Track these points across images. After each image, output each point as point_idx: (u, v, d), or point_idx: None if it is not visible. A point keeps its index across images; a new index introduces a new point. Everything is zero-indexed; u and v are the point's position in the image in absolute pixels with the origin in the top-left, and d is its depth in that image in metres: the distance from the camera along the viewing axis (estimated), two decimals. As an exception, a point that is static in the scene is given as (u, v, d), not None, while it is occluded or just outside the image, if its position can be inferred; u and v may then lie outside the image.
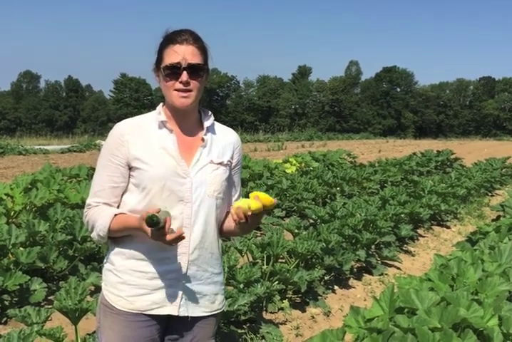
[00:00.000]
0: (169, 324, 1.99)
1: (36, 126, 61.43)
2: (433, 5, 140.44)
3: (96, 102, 70.93)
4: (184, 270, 1.93)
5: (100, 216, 1.90)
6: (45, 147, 21.35)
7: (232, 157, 2.06)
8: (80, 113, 69.99)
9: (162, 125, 1.96)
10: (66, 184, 7.64)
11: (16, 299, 4.22)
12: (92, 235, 1.94)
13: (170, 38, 1.91)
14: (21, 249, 4.58)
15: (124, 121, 1.99)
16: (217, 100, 71.42)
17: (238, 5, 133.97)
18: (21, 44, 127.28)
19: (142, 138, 1.93)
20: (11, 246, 4.58)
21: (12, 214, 6.22)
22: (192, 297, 1.96)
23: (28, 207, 6.42)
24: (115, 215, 1.88)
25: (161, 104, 2.02)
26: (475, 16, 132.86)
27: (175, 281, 1.92)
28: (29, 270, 4.53)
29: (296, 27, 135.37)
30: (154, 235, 1.75)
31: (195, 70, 1.90)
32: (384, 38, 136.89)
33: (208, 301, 2.01)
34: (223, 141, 2.06)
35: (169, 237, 1.75)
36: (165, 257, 1.90)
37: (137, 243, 1.91)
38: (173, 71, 1.88)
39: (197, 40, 1.92)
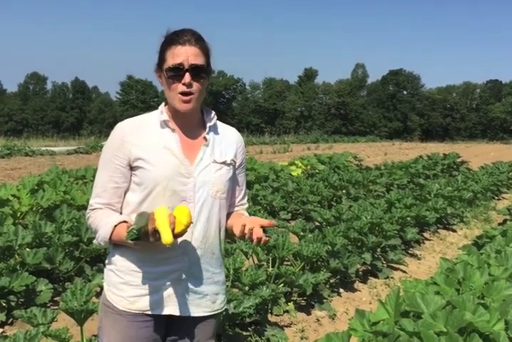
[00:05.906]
0: (170, 324, 1.99)
1: (42, 127, 61.66)
2: (440, 8, 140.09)
3: (103, 103, 71.14)
4: (185, 270, 1.92)
5: (101, 224, 1.87)
6: (52, 149, 21.35)
7: (235, 156, 2.05)
8: (86, 115, 70.16)
9: (165, 124, 1.94)
10: (72, 186, 7.68)
11: (22, 300, 4.23)
12: (94, 241, 1.93)
13: (172, 39, 1.88)
14: (28, 249, 4.60)
15: (125, 121, 1.96)
16: (223, 102, 71.48)
17: (244, 6, 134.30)
18: (28, 46, 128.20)
19: (144, 138, 1.90)
20: (17, 247, 4.61)
21: (19, 215, 6.26)
22: (193, 297, 1.96)
23: (34, 208, 6.45)
24: (115, 226, 1.85)
25: (163, 103, 2.00)
26: (482, 19, 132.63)
27: (176, 281, 1.92)
28: (35, 271, 4.54)
29: (302, 29, 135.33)
30: (149, 241, 1.73)
31: (197, 72, 1.87)
32: (391, 40, 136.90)
33: (209, 300, 2.00)
34: (226, 140, 2.05)
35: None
36: (166, 257, 1.90)
37: (139, 244, 1.88)
38: (176, 73, 1.86)
39: (199, 41, 1.89)
